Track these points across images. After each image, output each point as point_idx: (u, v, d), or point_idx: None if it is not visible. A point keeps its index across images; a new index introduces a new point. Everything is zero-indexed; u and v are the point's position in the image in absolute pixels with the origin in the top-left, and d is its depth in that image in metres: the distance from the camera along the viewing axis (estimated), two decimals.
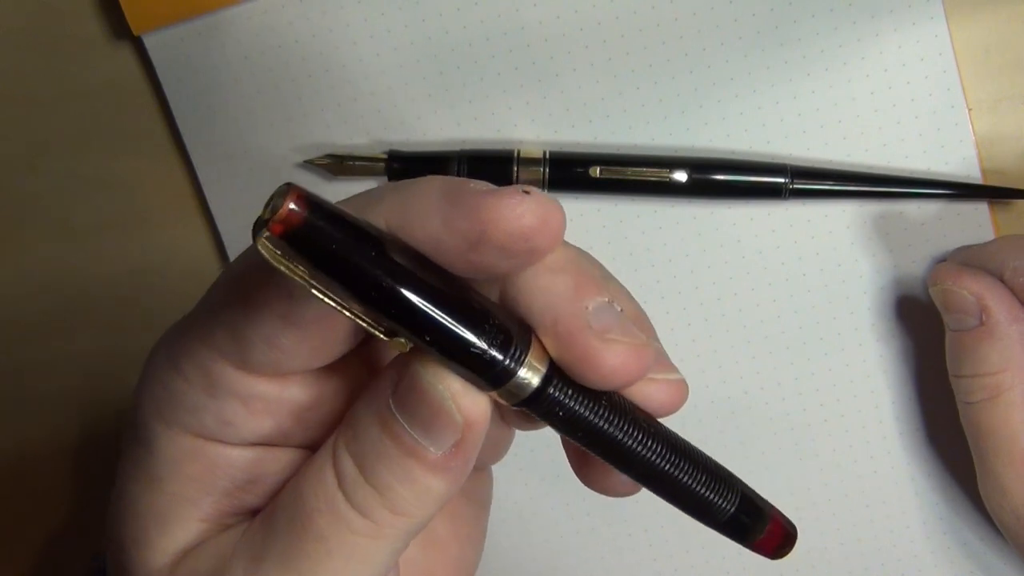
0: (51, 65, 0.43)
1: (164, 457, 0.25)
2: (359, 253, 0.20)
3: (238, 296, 0.24)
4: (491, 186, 0.22)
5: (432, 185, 0.22)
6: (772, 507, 0.26)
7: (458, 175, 0.40)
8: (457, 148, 0.41)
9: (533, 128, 0.41)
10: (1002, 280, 0.37)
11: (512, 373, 0.22)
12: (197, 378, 0.24)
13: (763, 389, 0.43)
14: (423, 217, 0.22)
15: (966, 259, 0.39)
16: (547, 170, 0.40)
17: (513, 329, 0.22)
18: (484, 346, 0.21)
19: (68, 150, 0.43)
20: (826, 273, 0.41)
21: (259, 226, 0.20)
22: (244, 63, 0.41)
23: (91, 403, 0.46)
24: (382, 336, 0.22)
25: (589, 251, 0.24)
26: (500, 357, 0.22)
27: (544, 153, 0.40)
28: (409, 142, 0.41)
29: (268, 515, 0.25)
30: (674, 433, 0.25)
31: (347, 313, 0.21)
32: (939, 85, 0.40)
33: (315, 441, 0.26)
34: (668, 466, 0.24)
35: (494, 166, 0.40)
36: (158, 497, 0.26)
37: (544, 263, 0.23)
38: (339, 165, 0.41)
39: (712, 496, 0.25)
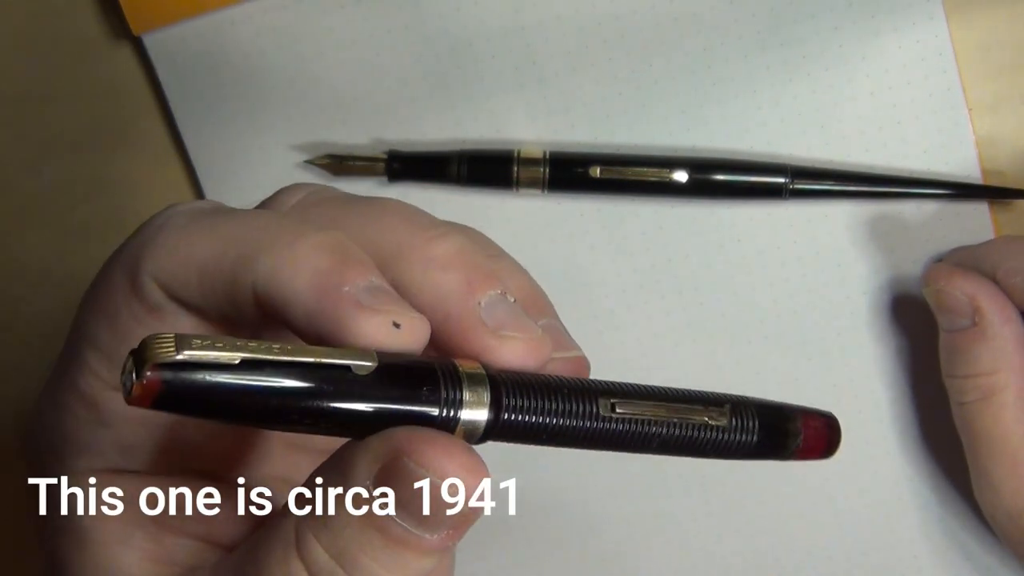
0: (51, 65, 0.42)
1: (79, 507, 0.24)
2: (251, 398, 0.19)
3: (103, 319, 0.23)
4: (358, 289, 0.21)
5: (301, 283, 0.21)
6: (795, 408, 0.24)
7: (458, 175, 0.40)
8: (457, 148, 0.41)
9: (533, 128, 0.41)
10: (995, 281, 0.37)
11: (459, 400, 0.21)
12: (83, 410, 0.24)
13: (762, 390, 0.42)
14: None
15: (960, 260, 0.39)
16: (547, 170, 0.40)
17: (436, 365, 0.21)
18: (427, 409, 0.20)
19: (68, 150, 0.43)
20: (826, 273, 0.41)
21: (129, 391, 0.18)
22: (244, 63, 0.41)
23: None
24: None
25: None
26: (446, 401, 0.20)
27: (544, 153, 0.40)
28: (409, 142, 0.41)
29: None
30: (622, 384, 0.23)
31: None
32: (939, 85, 0.40)
33: (225, 455, 0.26)
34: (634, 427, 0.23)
35: (494, 166, 0.40)
36: (92, 554, 0.24)
37: (433, 258, 0.23)
38: (339, 165, 0.41)
39: (711, 432, 0.23)
